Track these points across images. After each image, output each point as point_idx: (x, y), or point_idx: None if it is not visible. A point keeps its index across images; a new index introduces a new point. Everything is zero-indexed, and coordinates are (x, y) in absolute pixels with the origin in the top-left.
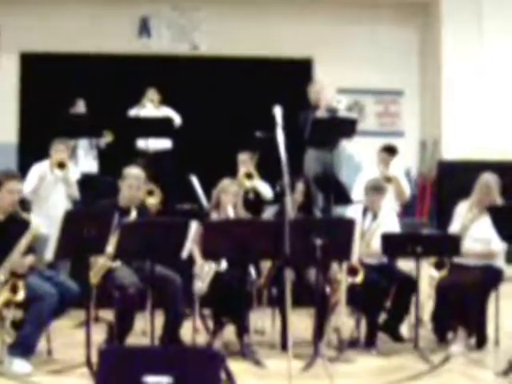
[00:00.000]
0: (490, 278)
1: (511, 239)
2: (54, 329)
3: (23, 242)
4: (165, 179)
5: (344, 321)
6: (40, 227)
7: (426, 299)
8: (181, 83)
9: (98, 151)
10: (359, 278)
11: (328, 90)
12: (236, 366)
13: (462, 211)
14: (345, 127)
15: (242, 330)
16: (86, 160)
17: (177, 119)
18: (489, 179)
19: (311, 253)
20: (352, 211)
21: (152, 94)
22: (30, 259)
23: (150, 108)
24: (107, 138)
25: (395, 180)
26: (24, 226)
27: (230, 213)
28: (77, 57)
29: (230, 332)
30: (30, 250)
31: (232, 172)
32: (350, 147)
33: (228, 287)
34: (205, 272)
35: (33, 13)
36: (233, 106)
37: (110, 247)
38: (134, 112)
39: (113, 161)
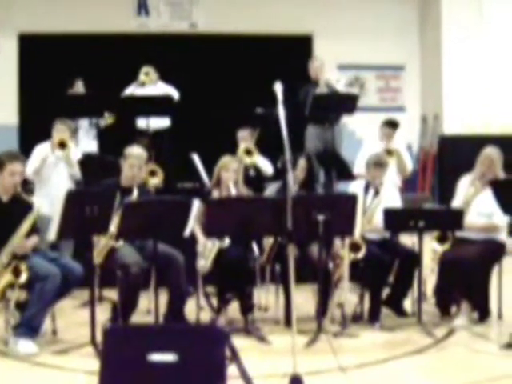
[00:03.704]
0: (492, 251)
1: None
2: (59, 309)
3: (25, 225)
4: (164, 158)
5: (347, 296)
6: (42, 209)
7: (428, 273)
8: (180, 61)
9: (98, 131)
10: (361, 254)
11: (326, 67)
12: (240, 343)
13: (465, 185)
14: (346, 103)
15: (246, 306)
16: (85, 140)
17: (175, 94)
18: (491, 153)
19: (314, 229)
20: (354, 187)
21: (147, 70)
22: (33, 240)
23: (147, 85)
24: (108, 120)
25: (397, 153)
26: (27, 207)
27: (232, 190)
28: (76, 36)
29: (233, 309)
30: (34, 230)
31: (232, 149)
32: (351, 123)
33: (231, 264)
34: (208, 249)
35: None
36: (233, 82)
37: (113, 227)
38: (130, 90)
39: (112, 140)
